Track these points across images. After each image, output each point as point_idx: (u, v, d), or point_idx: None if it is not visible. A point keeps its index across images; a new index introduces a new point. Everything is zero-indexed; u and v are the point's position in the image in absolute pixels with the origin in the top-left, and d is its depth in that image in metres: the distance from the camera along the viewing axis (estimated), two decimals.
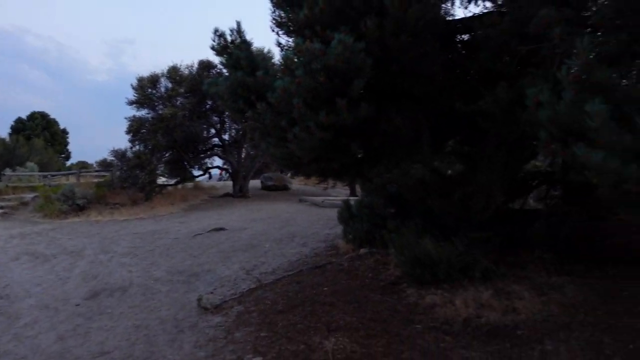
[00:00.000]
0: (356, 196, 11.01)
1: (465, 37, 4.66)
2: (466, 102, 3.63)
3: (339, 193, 16.28)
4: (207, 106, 16.22)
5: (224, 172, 20.49)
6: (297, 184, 21.90)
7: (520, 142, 5.03)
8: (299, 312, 4.51)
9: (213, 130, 17.84)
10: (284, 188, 19.17)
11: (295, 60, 3.42)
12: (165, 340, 4.27)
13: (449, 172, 6.85)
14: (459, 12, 6.28)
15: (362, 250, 6.43)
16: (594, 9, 2.86)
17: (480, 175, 4.78)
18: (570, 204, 5.64)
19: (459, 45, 4.72)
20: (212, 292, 5.56)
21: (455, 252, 4.86)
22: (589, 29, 2.61)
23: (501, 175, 5.12)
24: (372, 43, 3.31)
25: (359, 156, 3.95)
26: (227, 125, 17.49)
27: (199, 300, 5.15)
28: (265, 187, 19.28)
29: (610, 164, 1.64)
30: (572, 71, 1.88)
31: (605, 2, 2.57)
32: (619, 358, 3.10)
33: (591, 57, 1.83)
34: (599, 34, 2.42)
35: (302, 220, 10.25)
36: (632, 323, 3.48)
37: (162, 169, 17.34)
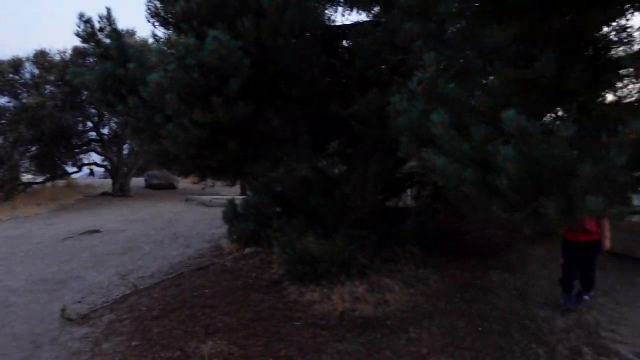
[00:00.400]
0: (247, 195, 10.91)
1: (345, 43, 4.86)
2: (343, 106, 3.78)
3: (230, 192, 15.99)
4: (83, 97, 14.79)
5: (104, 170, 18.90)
6: (185, 182, 21.01)
7: (396, 144, 5.39)
8: (176, 317, 4.32)
9: (90, 124, 16.33)
10: (170, 186, 18.23)
11: (169, 53, 3.26)
12: (18, 359, 3.81)
13: (335, 171, 7.10)
14: (341, 19, 6.53)
15: (247, 250, 6.38)
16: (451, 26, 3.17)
17: (357, 175, 5.02)
18: (437, 202, 6.20)
19: (340, 51, 4.91)
20: (79, 301, 5.09)
21: (336, 249, 5.03)
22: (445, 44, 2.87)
23: (377, 176, 5.44)
24: (250, 43, 3.29)
25: (239, 155, 3.90)
26: (105, 118, 16.14)
27: (63, 310, 4.68)
28: (149, 186, 18.14)
29: (450, 168, 1.82)
30: (421, 83, 2.06)
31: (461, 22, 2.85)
32: (470, 339, 3.47)
33: (436, 70, 2.03)
34: (452, 49, 2.67)
35: (187, 220, 9.86)
36: (482, 308, 3.93)
37: (27, 164, 15.44)
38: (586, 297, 3.79)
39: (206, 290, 5.02)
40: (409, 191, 8.24)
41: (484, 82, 2.12)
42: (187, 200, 13.83)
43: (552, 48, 1.75)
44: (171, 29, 3.97)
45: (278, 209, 6.66)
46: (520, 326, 3.56)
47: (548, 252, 5.15)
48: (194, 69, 3.10)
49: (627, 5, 1.91)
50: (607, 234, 3.66)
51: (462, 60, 2.37)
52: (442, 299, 4.19)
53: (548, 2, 1.73)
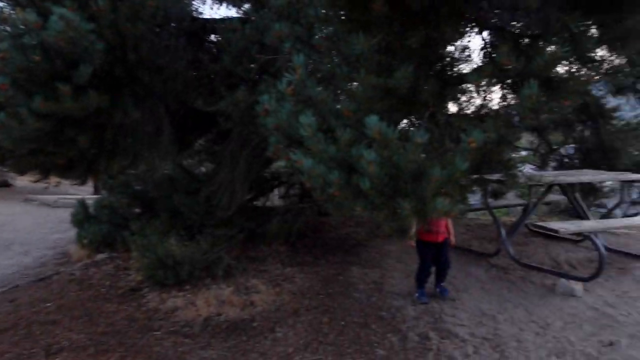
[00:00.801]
0: (101, 195, 9.86)
1: (214, 37, 4.69)
2: (209, 101, 3.64)
3: (81, 191, 14.33)
4: None
5: None
6: (25, 180, 18.22)
7: (264, 143, 5.38)
8: (8, 338, 3.71)
9: None
10: (4, 184, 15.71)
11: (1, 30, 2.77)
12: None
13: (202, 169, 6.82)
14: (210, 12, 6.29)
15: (99, 256, 5.78)
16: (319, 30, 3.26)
17: (224, 173, 4.89)
18: (304, 202, 6.35)
19: (207, 45, 4.72)
20: None
21: (200, 250, 4.83)
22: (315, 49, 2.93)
23: (245, 174, 5.36)
24: (105, 26, 2.96)
25: (91, 150, 3.50)
26: None
27: None
28: None
29: (317, 170, 1.87)
30: (290, 85, 2.08)
31: (324, 29, 2.93)
32: (333, 334, 3.61)
33: (305, 73, 2.06)
34: (321, 53, 2.75)
35: (25, 223, 8.57)
36: (344, 303, 4.12)
37: None
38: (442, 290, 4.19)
39: (48, 304, 4.42)
40: (276, 190, 8.32)
41: (349, 87, 2.22)
42: (26, 200, 12.05)
43: (409, 61, 1.90)
44: (5, 2, 3.39)
45: (137, 210, 6.17)
46: (378, 317, 3.82)
47: (403, 248, 5.63)
48: (35, 50, 2.67)
49: (469, 27, 2.17)
50: (452, 231, 4.14)
51: (329, 65, 2.44)
52: (307, 296, 4.29)
53: (407, 17, 1.87)
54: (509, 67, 1.80)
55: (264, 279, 4.68)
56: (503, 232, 4.82)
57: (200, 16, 4.56)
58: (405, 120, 2.62)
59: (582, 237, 5.39)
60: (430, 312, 3.86)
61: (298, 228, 5.81)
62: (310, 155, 1.90)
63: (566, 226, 4.17)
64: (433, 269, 4.15)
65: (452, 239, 4.16)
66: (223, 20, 4.25)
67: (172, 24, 3.70)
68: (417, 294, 4.11)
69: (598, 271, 4.04)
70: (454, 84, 2.35)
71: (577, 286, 4.09)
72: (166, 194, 5.68)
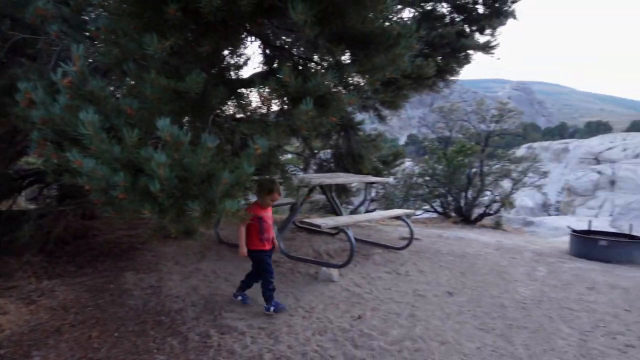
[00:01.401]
0: None
1: None
2: None
3: None
4: None
5: None
6: None
7: (11, 136, 4.53)
8: None
9: None
10: None
11: None
12: None
13: None
14: None
15: None
16: (92, 16, 2.96)
17: None
18: (65, 204, 5.59)
19: None
20: None
21: None
22: (88, 36, 2.67)
23: None
24: None
25: None
26: None
27: None
28: None
29: (100, 171, 1.73)
30: (67, 76, 1.86)
31: (103, 14, 2.70)
32: (105, 348, 3.32)
33: (85, 65, 1.88)
34: (97, 44, 2.52)
35: None
36: (117, 312, 3.84)
37: None
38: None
39: None
40: (23, 192, 7.07)
41: (134, 84, 2.11)
42: None
43: (199, 66, 1.94)
44: None
45: None
46: (156, 322, 3.70)
47: (179, 249, 5.55)
48: None
49: (253, 43, 2.35)
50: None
51: (109, 59, 2.26)
52: (71, 311, 3.83)
53: (200, 25, 1.91)
54: (289, 84, 2.04)
55: (13, 296, 3.95)
56: (275, 228, 5.27)
57: None
58: (190, 124, 2.64)
59: (337, 231, 6.34)
60: (210, 310, 3.95)
61: (57, 234, 5.10)
62: (91, 155, 1.75)
63: (326, 222, 4.86)
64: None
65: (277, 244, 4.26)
66: None
67: None
68: (273, 307, 3.94)
69: (349, 259, 4.84)
70: (238, 93, 2.49)
71: (334, 272, 4.81)
72: None
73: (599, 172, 36.23)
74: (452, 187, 10.95)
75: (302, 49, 2.22)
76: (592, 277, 5.41)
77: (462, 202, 11.04)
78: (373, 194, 11.81)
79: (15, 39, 3.18)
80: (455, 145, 11.62)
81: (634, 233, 6.84)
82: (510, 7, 6.50)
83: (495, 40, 6.66)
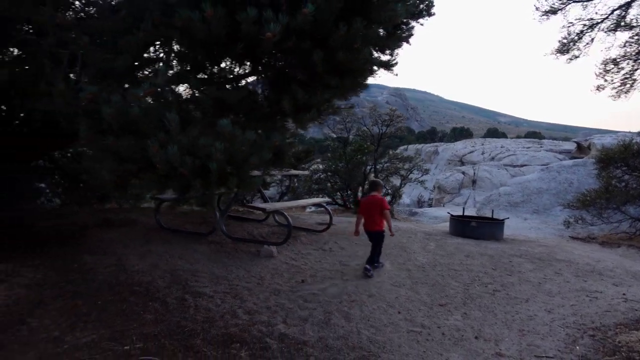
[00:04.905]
0: None
1: None
2: None
3: None
4: None
5: None
6: None
7: None
8: None
9: None
10: None
11: None
12: None
13: None
14: None
15: None
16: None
17: None
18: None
19: None
20: None
21: None
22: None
23: None
24: None
25: None
26: None
27: None
28: None
29: (175, 156, 2.39)
30: (151, 87, 2.45)
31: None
32: (95, 313, 3.75)
33: (165, 81, 2.50)
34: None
35: None
36: (91, 286, 4.24)
37: None
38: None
39: None
40: None
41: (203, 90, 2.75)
42: None
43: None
44: None
45: None
46: (132, 292, 4.20)
47: (121, 235, 5.90)
48: None
49: None
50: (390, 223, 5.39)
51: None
52: (45, 287, 4.14)
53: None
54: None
55: None
56: (218, 215, 5.94)
57: None
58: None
59: (265, 217, 7.17)
60: (177, 281, 4.54)
61: None
62: (172, 143, 2.40)
63: (268, 206, 5.67)
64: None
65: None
66: None
67: None
68: (375, 267, 5.47)
69: (287, 237, 5.73)
70: None
71: (274, 249, 5.66)
72: None
73: (464, 173, 41.47)
74: (352, 182, 12.36)
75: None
76: (468, 248, 6.99)
77: (360, 195, 12.50)
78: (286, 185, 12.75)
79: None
80: (353, 145, 13.08)
81: (495, 217, 8.74)
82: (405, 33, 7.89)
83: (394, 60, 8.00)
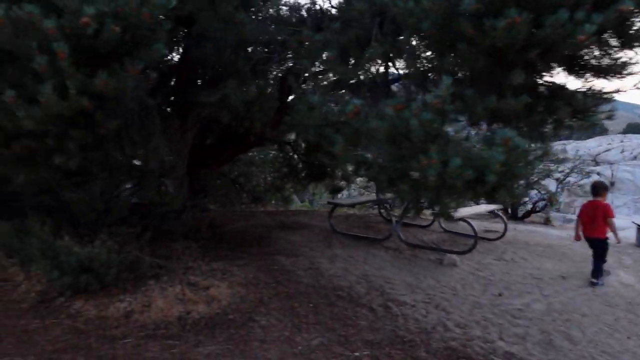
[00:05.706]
0: None
1: None
2: None
3: None
4: None
5: None
6: None
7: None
8: None
9: None
10: None
11: None
12: None
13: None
14: None
15: None
16: None
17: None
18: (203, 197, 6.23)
19: None
20: None
21: (111, 251, 4.39)
22: None
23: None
24: None
25: None
26: None
27: None
28: None
29: (456, 166, 2.36)
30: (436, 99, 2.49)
31: None
32: (312, 315, 3.90)
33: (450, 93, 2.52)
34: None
35: None
36: (298, 288, 4.44)
37: None
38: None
39: None
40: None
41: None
42: None
43: None
44: None
45: None
46: (337, 296, 4.32)
47: (303, 238, 6.16)
48: None
49: None
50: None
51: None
52: (259, 287, 4.44)
53: None
54: None
55: (203, 275, 4.55)
56: (394, 221, 5.92)
57: None
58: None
59: (430, 222, 7.01)
60: (374, 288, 4.57)
61: (206, 224, 5.75)
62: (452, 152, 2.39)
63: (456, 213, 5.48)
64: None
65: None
66: None
67: None
68: (600, 282, 5.03)
69: (473, 246, 5.49)
70: None
71: (457, 258, 5.45)
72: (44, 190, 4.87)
73: (598, 174, 37.19)
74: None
75: None
76: None
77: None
78: None
79: None
80: None
81: None
82: None
83: None
